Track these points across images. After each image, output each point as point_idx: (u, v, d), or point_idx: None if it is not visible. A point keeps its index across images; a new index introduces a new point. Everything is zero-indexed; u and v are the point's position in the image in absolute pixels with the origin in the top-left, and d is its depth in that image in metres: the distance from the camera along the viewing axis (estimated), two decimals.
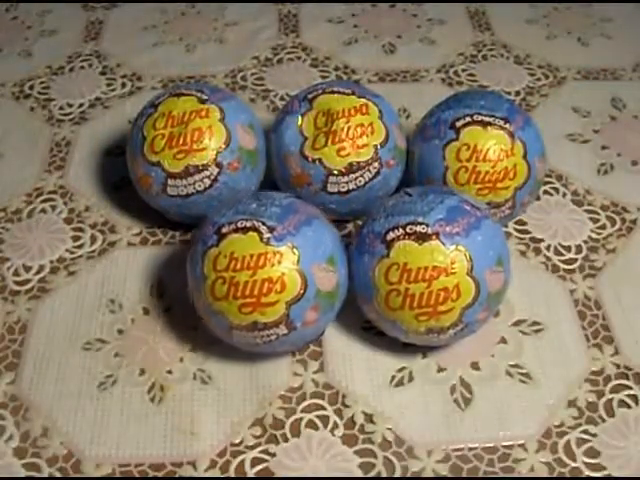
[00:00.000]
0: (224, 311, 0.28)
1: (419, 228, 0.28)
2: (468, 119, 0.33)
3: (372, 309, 0.30)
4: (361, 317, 0.32)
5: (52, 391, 0.31)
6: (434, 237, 0.27)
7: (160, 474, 0.28)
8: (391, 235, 0.28)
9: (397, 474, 0.28)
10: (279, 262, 0.27)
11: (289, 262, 0.27)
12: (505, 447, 0.29)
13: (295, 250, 0.27)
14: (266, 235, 0.27)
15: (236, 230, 0.27)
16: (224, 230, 0.28)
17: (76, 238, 0.37)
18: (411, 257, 0.28)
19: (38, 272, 0.35)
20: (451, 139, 0.33)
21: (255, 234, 0.27)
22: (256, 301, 0.27)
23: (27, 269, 0.36)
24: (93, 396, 0.31)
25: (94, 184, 0.40)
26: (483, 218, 0.29)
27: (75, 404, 0.30)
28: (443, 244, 0.27)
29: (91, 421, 0.30)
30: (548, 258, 0.36)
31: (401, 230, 0.28)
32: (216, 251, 0.28)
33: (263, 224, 0.27)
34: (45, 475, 0.28)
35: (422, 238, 0.28)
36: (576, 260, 0.36)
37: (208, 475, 0.28)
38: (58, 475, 0.28)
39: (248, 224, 0.27)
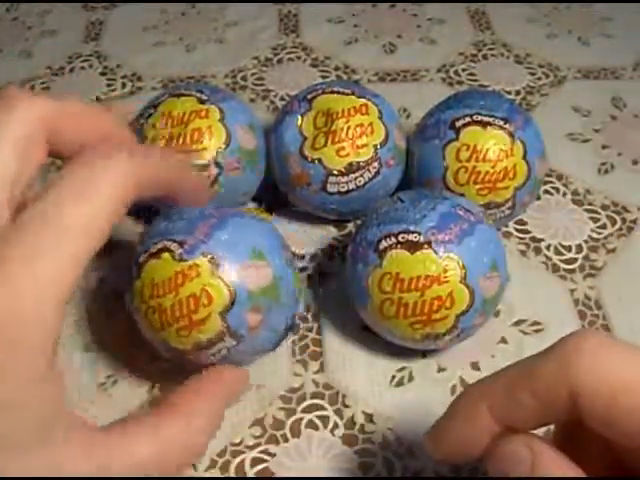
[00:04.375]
0: (166, 339, 0.26)
1: (411, 237, 0.28)
2: (468, 119, 0.33)
3: (367, 316, 0.30)
4: (361, 317, 0.32)
5: None
6: (426, 246, 0.27)
7: None
8: (383, 244, 0.28)
9: (397, 474, 0.28)
10: (198, 275, 0.25)
11: (207, 272, 0.25)
12: None
13: (211, 258, 0.25)
14: (178, 252, 0.25)
15: (151, 256, 0.26)
16: (141, 260, 0.26)
17: None
18: (403, 267, 0.27)
19: None
20: (451, 139, 0.33)
21: (167, 254, 0.25)
22: (189, 322, 0.25)
23: None
24: (94, 396, 0.31)
25: None
26: (477, 223, 0.28)
27: (76, 404, 0.30)
28: (435, 253, 0.27)
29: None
30: (548, 258, 0.36)
31: (393, 239, 0.28)
32: (139, 283, 0.26)
33: (173, 241, 0.25)
34: None
35: (414, 247, 0.27)
36: (576, 260, 0.36)
37: (208, 475, 0.28)
38: None
39: (159, 246, 0.26)
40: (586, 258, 0.36)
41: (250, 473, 0.28)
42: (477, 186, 0.33)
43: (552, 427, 0.21)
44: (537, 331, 0.33)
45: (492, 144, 0.32)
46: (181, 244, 0.25)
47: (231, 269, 0.25)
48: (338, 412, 0.30)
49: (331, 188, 0.34)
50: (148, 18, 0.53)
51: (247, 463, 0.28)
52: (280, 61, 0.49)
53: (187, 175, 0.27)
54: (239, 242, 0.26)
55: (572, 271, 0.36)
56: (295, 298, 0.28)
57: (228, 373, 0.25)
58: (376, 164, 0.34)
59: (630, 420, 0.16)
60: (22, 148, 0.21)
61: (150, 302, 0.26)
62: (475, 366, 0.32)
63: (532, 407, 0.17)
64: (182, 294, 0.25)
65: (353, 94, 0.34)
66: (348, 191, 0.34)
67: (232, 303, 0.25)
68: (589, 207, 0.39)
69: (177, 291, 0.25)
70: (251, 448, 0.29)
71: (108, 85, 0.47)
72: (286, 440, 0.29)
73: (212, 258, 0.25)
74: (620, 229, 0.38)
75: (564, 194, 0.40)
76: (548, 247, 0.37)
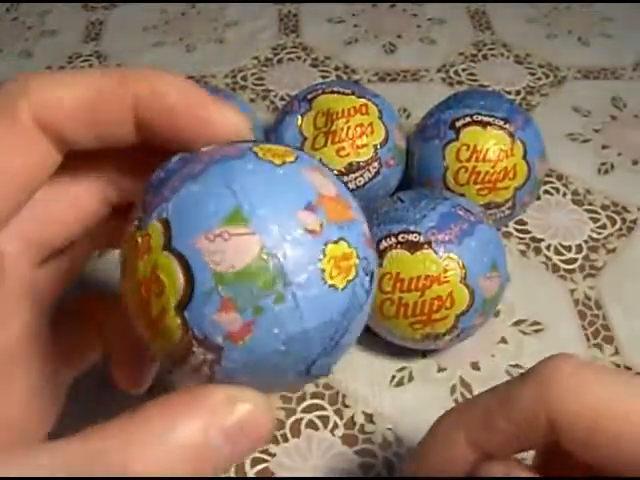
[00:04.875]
0: (151, 347, 0.17)
1: (411, 237, 0.28)
2: (468, 119, 0.33)
3: (368, 316, 0.30)
4: None
5: None
6: (426, 246, 0.27)
7: None
8: (383, 244, 0.28)
9: (397, 474, 0.28)
10: (149, 249, 0.16)
11: (158, 244, 0.16)
12: None
13: (165, 222, 0.16)
14: (138, 217, 0.17)
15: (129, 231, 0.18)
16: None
17: None
18: (403, 266, 0.28)
19: None
20: (451, 139, 0.33)
21: (135, 223, 0.17)
22: (147, 321, 0.16)
23: None
24: (95, 397, 0.31)
25: None
26: (477, 223, 0.29)
27: (78, 405, 0.30)
28: (435, 253, 0.27)
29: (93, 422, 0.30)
30: (548, 258, 0.36)
31: (393, 239, 0.28)
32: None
33: (141, 203, 0.17)
34: None
35: (414, 247, 0.28)
36: (576, 260, 0.36)
37: None
38: None
39: (135, 215, 0.17)
40: (586, 258, 0.36)
41: (250, 473, 0.28)
42: (477, 186, 0.33)
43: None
44: (537, 331, 0.33)
45: (492, 144, 0.32)
46: (145, 208, 0.17)
47: (187, 239, 0.15)
48: (338, 412, 0.30)
49: None
50: (148, 18, 0.53)
51: (247, 463, 0.28)
52: (280, 61, 0.49)
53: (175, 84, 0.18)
54: (211, 197, 0.16)
55: (572, 271, 0.36)
56: (329, 303, 0.16)
57: (209, 393, 0.16)
58: (376, 164, 0.34)
59: (612, 445, 0.16)
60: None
61: (124, 293, 0.17)
62: (475, 366, 0.32)
63: (510, 433, 0.17)
64: (136, 278, 0.16)
65: (353, 94, 0.34)
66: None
67: (191, 291, 0.15)
68: (589, 207, 0.39)
69: (133, 275, 0.16)
70: None
71: None
72: (286, 440, 0.29)
73: (166, 222, 0.16)
74: (620, 229, 0.38)
75: (564, 194, 0.40)
76: (548, 247, 0.37)
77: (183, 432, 0.14)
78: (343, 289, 0.16)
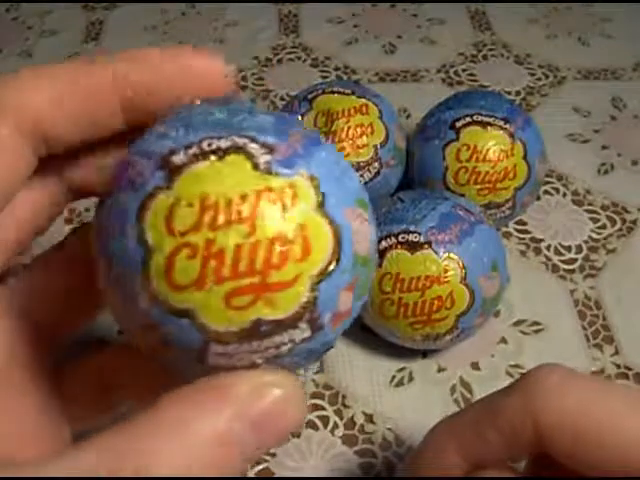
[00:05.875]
0: (195, 307, 0.13)
1: (411, 237, 0.28)
2: (468, 119, 0.33)
3: (368, 316, 0.30)
4: (361, 317, 0.32)
5: None
6: (426, 246, 0.27)
7: None
8: (383, 244, 0.28)
9: (397, 474, 0.28)
10: (294, 200, 0.14)
11: (310, 200, 0.14)
12: None
13: (316, 183, 0.14)
14: (264, 158, 0.14)
15: (203, 155, 0.14)
16: (177, 160, 0.14)
17: None
18: (403, 267, 0.28)
19: None
20: (451, 139, 0.33)
21: (243, 157, 0.14)
22: (260, 282, 0.13)
23: None
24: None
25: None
26: (477, 223, 0.29)
27: None
28: (435, 253, 0.27)
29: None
30: (548, 258, 0.36)
31: (393, 239, 0.28)
32: (168, 199, 0.14)
33: (252, 140, 0.14)
34: None
35: (414, 247, 0.28)
36: (576, 260, 0.36)
37: None
38: None
39: (224, 143, 0.14)
40: (586, 258, 0.36)
41: (250, 473, 0.28)
42: (477, 186, 0.33)
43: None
44: (537, 331, 0.33)
45: (492, 144, 0.32)
46: (271, 148, 0.14)
47: (340, 208, 0.14)
48: (338, 412, 0.30)
49: None
50: (148, 18, 0.53)
51: None
52: (280, 61, 0.49)
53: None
54: (347, 172, 0.15)
55: (572, 271, 0.36)
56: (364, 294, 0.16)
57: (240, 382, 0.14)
58: (376, 164, 0.34)
59: (596, 454, 0.16)
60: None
61: (184, 238, 0.13)
62: (475, 366, 0.32)
63: (499, 442, 0.17)
64: (259, 234, 0.13)
65: (353, 94, 0.34)
66: None
67: (335, 264, 0.14)
68: (589, 207, 0.39)
69: (253, 227, 0.13)
70: None
71: None
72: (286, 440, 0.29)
73: (317, 182, 0.14)
74: (620, 229, 0.38)
75: (564, 194, 0.40)
76: (548, 247, 0.37)
77: (206, 425, 0.13)
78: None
